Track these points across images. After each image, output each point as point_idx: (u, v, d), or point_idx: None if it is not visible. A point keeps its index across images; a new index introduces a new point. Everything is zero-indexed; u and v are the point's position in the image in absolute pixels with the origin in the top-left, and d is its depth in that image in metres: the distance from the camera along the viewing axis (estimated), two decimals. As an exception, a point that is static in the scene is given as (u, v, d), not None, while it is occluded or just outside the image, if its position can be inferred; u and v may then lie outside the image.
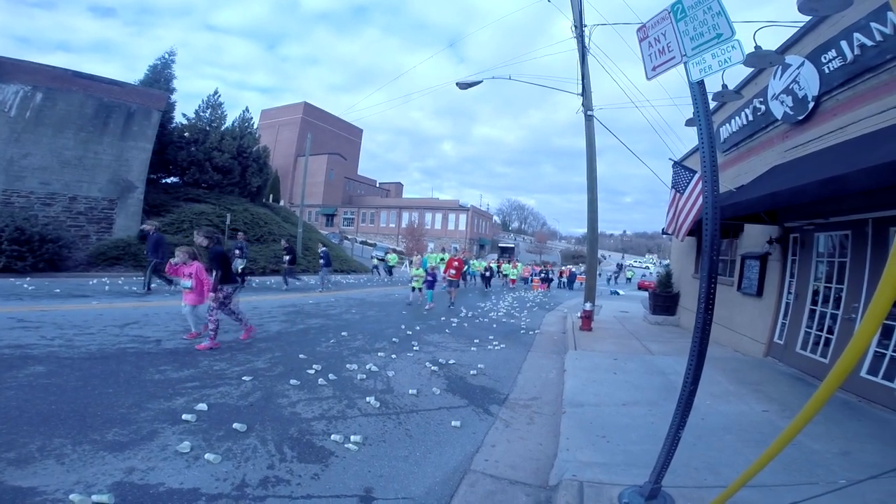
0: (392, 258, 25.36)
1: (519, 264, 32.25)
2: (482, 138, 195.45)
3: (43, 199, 14.97)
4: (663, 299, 11.80)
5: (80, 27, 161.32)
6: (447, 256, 18.21)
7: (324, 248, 16.20)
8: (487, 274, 22.89)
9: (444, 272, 13.81)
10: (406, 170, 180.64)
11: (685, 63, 2.48)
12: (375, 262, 25.36)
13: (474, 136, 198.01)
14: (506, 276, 27.36)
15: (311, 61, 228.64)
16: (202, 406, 3.85)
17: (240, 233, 15.05)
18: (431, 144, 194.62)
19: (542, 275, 29.55)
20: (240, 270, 12.66)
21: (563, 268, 40.61)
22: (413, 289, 12.71)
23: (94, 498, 2.40)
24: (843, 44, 5.15)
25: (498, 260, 40.25)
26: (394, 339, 7.44)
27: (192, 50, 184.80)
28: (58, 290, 9.40)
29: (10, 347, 5.07)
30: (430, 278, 12.37)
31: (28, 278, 11.22)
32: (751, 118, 7.64)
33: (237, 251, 13.09)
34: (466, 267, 21.05)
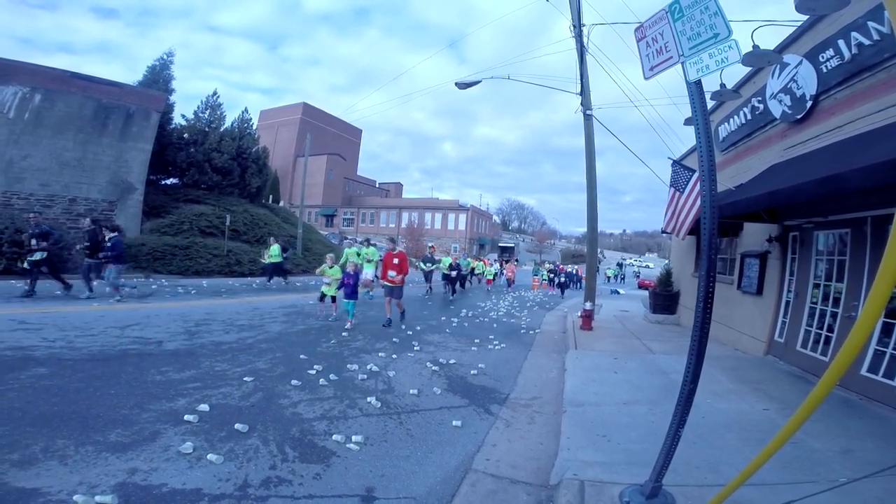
0: (273, 250, 14.76)
1: (494, 263, 26.56)
2: (482, 138, 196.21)
3: (43, 201, 14.96)
4: (663, 298, 11.82)
5: (82, 28, 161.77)
6: (375, 252, 12.54)
7: (114, 234, 9.88)
8: (453, 274, 15.88)
9: (383, 276, 8.80)
10: (406, 170, 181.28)
11: (682, 63, 2.50)
12: (268, 259, 15.14)
13: (474, 136, 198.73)
14: (476, 273, 21.40)
15: (313, 62, 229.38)
16: (204, 407, 3.86)
17: (32, 213, 11.09)
18: (432, 145, 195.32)
19: (552, 276, 24.85)
20: (26, 265, 9.31)
21: (579, 266, 35.14)
22: (322, 296, 8.80)
23: (98, 499, 2.41)
24: (841, 43, 5.16)
25: (502, 258, 37.51)
26: (394, 340, 7.45)
27: (194, 51, 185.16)
28: (58, 292, 9.40)
29: (12, 349, 5.08)
30: (349, 282, 8.30)
31: (28, 280, 11.20)
32: (749, 117, 7.65)
33: (33, 241, 9.30)
34: (433, 266, 16.36)
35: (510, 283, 23.32)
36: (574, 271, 34.57)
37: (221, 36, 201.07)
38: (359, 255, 12.27)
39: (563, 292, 22.69)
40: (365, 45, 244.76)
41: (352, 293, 8.33)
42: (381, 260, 10.85)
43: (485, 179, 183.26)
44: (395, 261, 8.77)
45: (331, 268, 8.68)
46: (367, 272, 11.48)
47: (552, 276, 24.84)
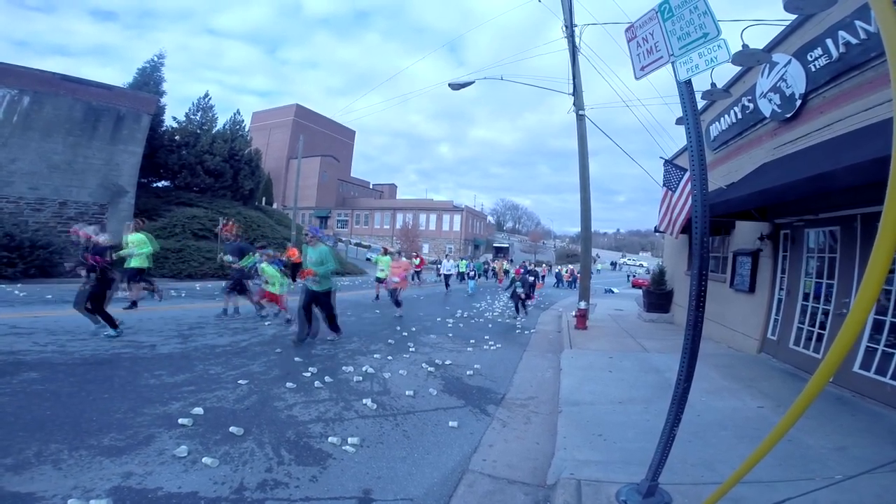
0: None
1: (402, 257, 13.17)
2: (478, 140, 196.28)
3: (32, 205, 14.82)
4: (657, 297, 11.88)
5: (79, 31, 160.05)
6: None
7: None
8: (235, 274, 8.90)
9: None
10: (402, 171, 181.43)
11: (673, 62, 2.51)
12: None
13: (470, 137, 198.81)
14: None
15: (311, 65, 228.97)
16: (198, 410, 3.83)
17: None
18: (428, 146, 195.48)
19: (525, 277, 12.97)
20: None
21: (572, 266, 34.00)
22: None
23: (93, 503, 2.39)
24: (829, 42, 5.22)
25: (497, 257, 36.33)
26: (390, 341, 7.44)
27: (193, 54, 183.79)
28: (49, 296, 9.30)
29: (3, 354, 5.02)
30: None
31: (19, 284, 11.09)
32: (739, 116, 7.71)
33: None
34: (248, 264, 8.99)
35: (394, 292, 10.63)
36: (558, 271, 32.21)
37: (220, 39, 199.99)
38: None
39: (517, 309, 12.44)
40: (364, 48, 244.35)
41: None
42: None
43: (480, 180, 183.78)
44: None
45: None
46: None
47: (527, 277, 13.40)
